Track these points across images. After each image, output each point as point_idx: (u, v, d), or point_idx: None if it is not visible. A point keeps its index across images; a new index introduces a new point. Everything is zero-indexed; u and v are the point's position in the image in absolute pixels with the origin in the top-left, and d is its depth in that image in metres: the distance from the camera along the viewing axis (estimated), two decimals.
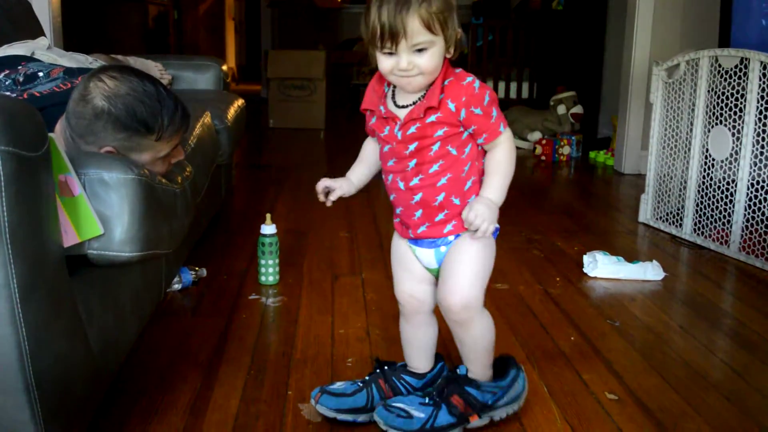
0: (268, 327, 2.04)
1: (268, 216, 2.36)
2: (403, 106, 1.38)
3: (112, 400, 1.59)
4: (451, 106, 1.33)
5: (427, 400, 1.48)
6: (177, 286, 2.28)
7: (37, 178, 1.09)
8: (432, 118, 1.34)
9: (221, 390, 1.67)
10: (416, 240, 1.46)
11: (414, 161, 1.38)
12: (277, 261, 2.36)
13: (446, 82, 1.34)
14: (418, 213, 1.41)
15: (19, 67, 1.88)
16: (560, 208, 3.57)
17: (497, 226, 1.40)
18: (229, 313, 2.11)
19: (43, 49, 2.08)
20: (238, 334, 1.97)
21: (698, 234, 2.96)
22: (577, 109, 5.27)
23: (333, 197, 1.53)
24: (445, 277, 1.43)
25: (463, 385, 1.48)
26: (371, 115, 1.47)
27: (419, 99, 1.36)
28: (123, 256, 1.30)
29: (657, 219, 3.20)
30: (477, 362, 1.51)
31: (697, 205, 2.96)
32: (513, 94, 6.64)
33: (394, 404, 1.48)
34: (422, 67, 1.29)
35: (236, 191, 3.74)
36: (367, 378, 1.59)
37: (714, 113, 2.86)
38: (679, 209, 3.08)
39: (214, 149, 2.52)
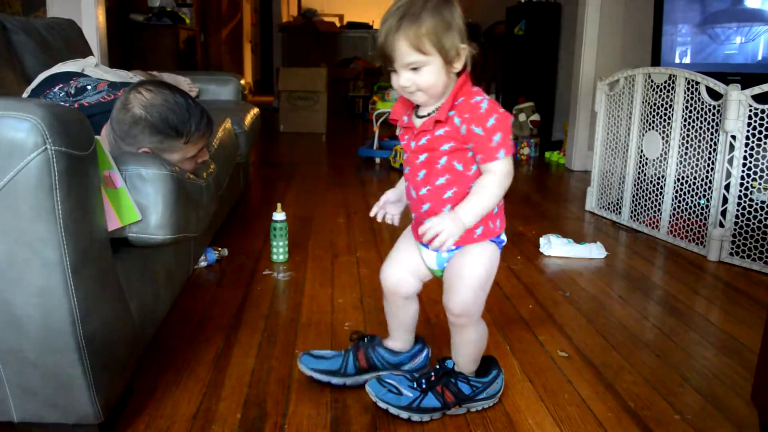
0: (279, 297, 2.03)
1: (279, 205, 2.35)
2: (421, 117, 1.26)
3: (150, 358, 1.59)
4: (457, 121, 1.19)
5: (414, 385, 1.37)
6: (203, 263, 2.27)
7: (85, 173, 1.08)
8: (440, 131, 1.22)
9: (240, 349, 1.66)
10: (425, 243, 1.30)
11: (423, 171, 1.26)
12: (286, 242, 2.35)
13: (460, 100, 1.20)
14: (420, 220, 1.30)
15: (71, 81, 1.86)
16: (521, 198, 3.57)
17: (503, 239, 1.32)
18: (247, 286, 2.11)
19: (91, 66, 2.06)
20: (254, 303, 1.96)
21: (634, 220, 2.96)
22: (535, 117, 5.26)
23: (381, 213, 1.41)
24: (450, 284, 1.31)
25: (450, 378, 1.38)
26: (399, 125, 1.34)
27: (433, 112, 1.23)
28: (158, 238, 1.29)
29: (600, 208, 3.21)
30: (465, 359, 1.40)
31: (633, 196, 2.97)
32: None
33: (387, 380, 1.38)
34: (419, 84, 1.18)
35: (252, 184, 3.72)
36: (348, 349, 1.52)
37: (647, 120, 2.86)
38: (618, 200, 3.08)
39: (233, 149, 2.51)
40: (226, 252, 2.38)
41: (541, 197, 3.62)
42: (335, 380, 1.47)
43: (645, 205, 2.90)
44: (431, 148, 1.24)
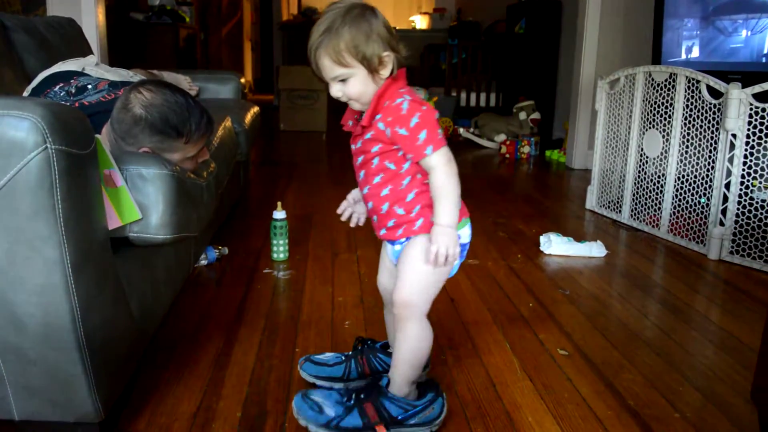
0: (279, 295, 2.03)
1: (279, 204, 2.36)
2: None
3: (151, 356, 1.59)
4: (380, 125, 1.20)
5: (344, 399, 1.32)
6: (203, 262, 2.27)
7: (85, 172, 1.08)
8: (368, 135, 1.24)
9: (240, 348, 1.67)
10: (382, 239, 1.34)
11: (363, 172, 1.29)
12: (286, 241, 2.36)
13: (387, 103, 1.20)
14: (375, 218, 1.31)
15: (72, 81, 1.86)
16: (521, 197, 3.57)
17: (465, 242, 1.29)
18: (247, 284, 2.11)
19: (92, 65, 2.06)
20: (254, 302, 1.97)
21: (634, 219, 2.96)
22: (536, 115, 5.26)
23: (347, 213, 1.42)
24: (398, 273, 1.28)
25: (378, 395, 1.30)
26: None
27: (360, 116, 1.25)
28: (158, 238, 1.29)
29: (601, 206, 3.21)
30: (399, 371, 1.30)
31: (633, 195, 2.97)
32: (483, 103, 6.63)
33: (311, 396, 1.34)
34: (348, 94, 1.21)
35: (252, 183, 3.72)
36: (350, 353, 1.51)
37: (648, 119, 2.86)
38: (618, 198, 3.08)
39: (234, 148, 2.51)
40: (226, 250, 2.38)
41: (541, 196, 3.62)
42: (337, 386, 1.46)
43: (645, 204, 2.90)
44: (364, 150, 1.26)
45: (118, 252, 1.25)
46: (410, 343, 1.29)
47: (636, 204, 2.95)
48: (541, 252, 2.52)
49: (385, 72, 1.21)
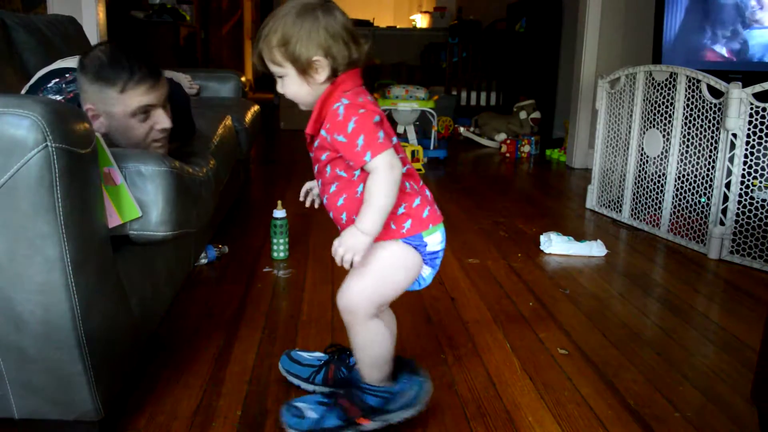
0: (280, 294, 2.03)
1: (279, 202, 2.35)
2: None
3: (151, 355, 1.59)
4: (323, 132, 1.16)
5: (325, 400, 1.31)
6: (204, 261, 2.27)
7: (86, 170, 1.08)
8: (316, 143, 1.20)
9: (240, 346, 1.67)
10: None
11: (320, 181, 1.25)
12: (286, 239, 2.36)
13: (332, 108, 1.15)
14: (338, 227, 1.26)
15: (66, 75, 1.86)
16: (521, 196, 3.57)
17: (425, 242, 1.22)
18: (247, 283, 2.11)
19: None
20: (255, 300, 1.97)
21: (634, 218, 2.96)
22: (536, 115, 5.26)
23: (309, 198, 1.39)
24: (346, 278, 1.25)
25: (351, 389, 1.29)
26: None
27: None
28: (158, 235, 1.29)
29: (601, 205, 3.21)
30: (363, 368, 1.29)
31: (634, 194, 2.97)
32: (483, 102, 6.63)
33: (294, 403, 1.31)
34: (285, 93, 1.18)
35: (253, 181, 3.72)
36: (327, 358, 1.47)
37: (648, 118, 2.86)
38: (619, 197, 3.08)
39: (234, 146, 2.51)
40: (226, 249, 2.38)
41: (541, 195, 3.62)
42: (304, 385, 1.45)
43: (646, 203, 2.90)
44: (317, 159, 1.22)
45: (118, 250, 1.25)
46: (363, 349, 1.26)
47: (636, 203, 2.95)
48: (542, 251, 2.52)
49: (318, 77, 1.15)
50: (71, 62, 2.04)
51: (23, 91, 1.93)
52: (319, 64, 1.14)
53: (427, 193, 1.26)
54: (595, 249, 2.49)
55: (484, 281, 2.19)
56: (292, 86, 1.17)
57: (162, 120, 1.52)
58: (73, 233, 1.04)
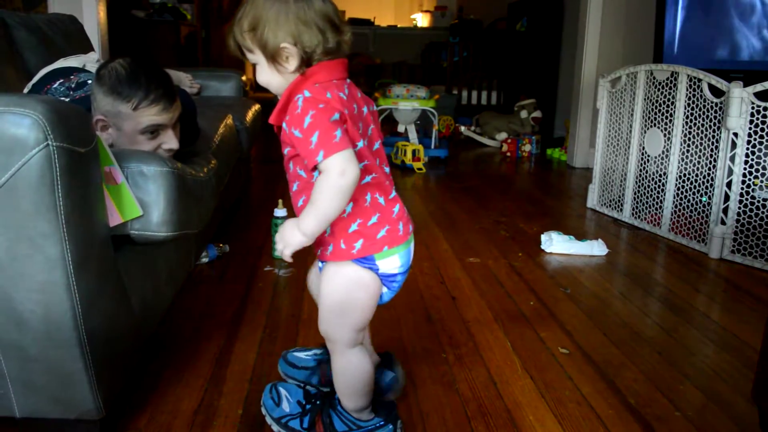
0: (280, 293, 2.03)
1: (280, 201, 2.35)
2: None
3: (152, 354, 1.59)
4: (284, 124, 1.07)
5: (304, 402, 1.29)
6: (205, 260, 2.27)
7: (87, 169, 1.08)
8: (281, 136, 1.11)
9: (242, 345, 1.67)
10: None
11: (288, 178, 1.18)
12: None
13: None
14: None
15: (72, 77, 1.86)
16: (522, 195, 3.57)
17: (377, 265, 1.14)
18: (248, 282, 2.11)
19: (92, 61, 2.06)
20: (256, 299, 1.97)
21: (635, 217, 2.96)
22: (537, 114, 5.26)
23: None
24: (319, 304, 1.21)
25: (328, 406, 1.26)
26: None
27: None
28: (160, 235, 1.29)
29: (602, 205, 3.21)
30: (339, 394, 1.24)
31: (635, 194, 2.97)
32: (484, 101, 6.63)
33: (278, 386, 1.32)
34: (259, 81, 1.11)
35: (254, 180, 3.72)
36: (322, 359, 1.45)
37: (649, 117, 2.86)
38: (620, 197, 3.08)
39: (235, 145, 2.51)
40: (227, 248, 2.38)
41: (542, 194, 3.62)
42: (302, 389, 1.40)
43: (647, 203, 2.89)
44: (282, 153, 1.15)
45: (119, 250, 1.25)
46: (340, 377, 1.22)
47: (637, 202, 2.95)
48: (542, 250, 2.52)
49: (288, 66, 1.07)
50: (74, 61, 2.04)
51: (25, 90, 1.94)
52: (288, 52, 1.06)
53: (396, 208, 1.15)
54: (596, 248, 2.49)
55: (484, 280, 2.18)
56: (264, 74, 1.10)
57: (170, 141, 1.54)
58: (74, 232, 1.04)
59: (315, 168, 1.03)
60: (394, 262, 1.15)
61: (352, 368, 1.20)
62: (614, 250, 2.56)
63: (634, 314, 1.94)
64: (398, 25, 9.34)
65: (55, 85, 1.84)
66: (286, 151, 1.13)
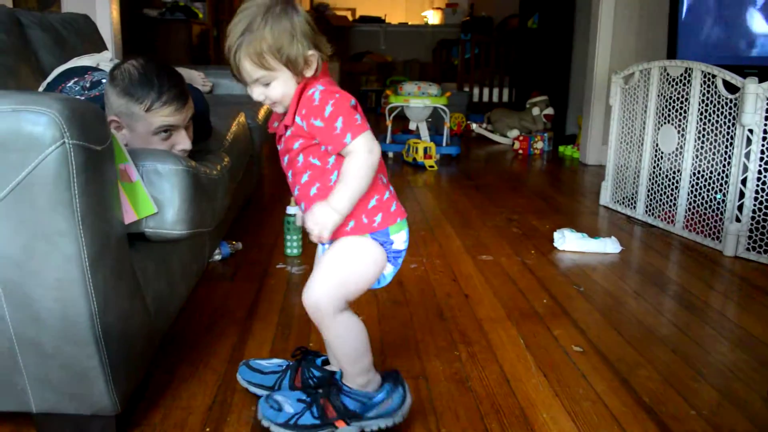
0: (293, 291, 2.04)
1: (292, 199, 2.35)
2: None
3: (165, 350, 1.60)
4: (298, 119, 1.15)
5: (305, 398, 1.29)
6: (218, 257, 2.28)
7: (102, 167, 1.09)
8: (288, 132, 1.18)
9: (254, 342, 1.67)
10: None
11: (291, 172, 1.23)
12: (300, 236, 2.36)
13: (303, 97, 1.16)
14: None
15: (86, 75, 1.87)
16: (535, 193, 3.56)
17: (392, 239, 1.21)
18: (261, 279, 2.11)
19: (106, 60, 2.07)
20: (268, 297, 1.97)
21: (649, 215, 2.94)
22: (549, 111, 5.23)
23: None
24: (313, 272, 1.23)
25: (333, 389, 1.26)
26: None
27: (284, 117, 1.20)
28: (174, 233, 1.30)
29: (615, 202, 3.19)
30: (343, 365, 1.26)
31: (648, 191, 2.95)
32: (495, 98, 6.61)
33: (273, 396, 1.30)
34: (272, 97, 1.16)
35: (265, 178, 3.73)
36: (292, 363, 1.43)
37: (663, 114, 2.84)
38: (633, 194, 3.06)
39: (247, 143, 2.51)
40: (240, 246, 2.39)
41: (555, 192, 3.60)
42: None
43: (660, 200, 2.88)
44: (288, 149, 1.20)
45: (133, 247, 1.25)
46: (339, 341, 1.23)
47: (651, 200, 2.93)
48: (555, 248, 2.51)
49: (309, 72, 1.15)
50: (87, 60, 2.05)
51: (40, 89, 1.95)
52: (314, 59, 1.14)
53: (391, 188, 1.25)
54: (610, 246, 2.47)
55: (497, 278, 2.18)
56: (281, 88, 1.15)
57: (183, 141, 1.55)
58: (90, 230, 1.05)
59: (339, 152, 1.13)
60: (402, 236, 1.23)
61: (346, 330, 1.22)
62: (628, 248, 2.55)
63: (648, 312, 1.93)
64: (409, 23, 9.33)
65: (69, 84, 1.85)
66: (297, 144, 1.18)
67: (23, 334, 1.08)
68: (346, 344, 1.23)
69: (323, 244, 1.25)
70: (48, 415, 1.18)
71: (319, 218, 1.13)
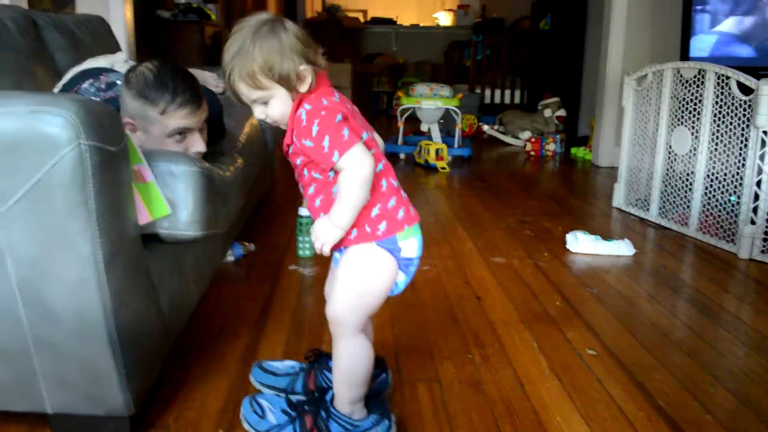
0: (305, 292, 2.03)
1: (305, 200, 2.35)
2: None
3: (178, 352, 1.60)
4: (294, 138, 1.15)
5: (289, 410, 1.28)
6: (230, 258, 2.28)
7: (117, 167, 1.09)
8: (290, 149, 1.19)
9: (267, 343, 1.67)
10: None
11: (300, 185, 1.25)
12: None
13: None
14: None
15: (101, 77, 1.87)
16: (547, 194, 3.54)
17: (399, 246, 1.19)
18: (273, 281, 2.11)
19: (120, 61, 2.07)
20: (281, 298, 1.97)
21: (662, 217, 2.92)
22: (561, 112, 5.22)
23: None
24: (332, 289, 1.23)
25: (320, 409, 1.25)
26: None
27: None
28: (188, 235, 1.30)
29: (628, 204, 3.17)
30: (337, 389, 1.24)
31: (662, 193, 2.93)
32: (507, 100, 6.59)
33: (258, 399, 1.31)
34: (272, 116, 1.16)
35: (278, 179, 3.73)
36: (305, 365, 1.43)
37: (676, 116, 2.82)
38: (646, 196, 3.04)
39: (260, 144, 2.52)
40: (252, 247, 2.39)
41: (567, 193, 3.59)
42: (284, 397, 1.37)
43: (674, 202, 2.86)
44: (294, 164, 1.22)
45: (146, 248, 1.25)
46: (344, 362, 1.22)
47: (664, 202, 2.91)
48: (568, 250, 2.50)
49: (304, 86, 1.14)
50: (102, 61, 2.06)
51: (55, 90, 1.96)
52: (306, 73, 1.13)
53: (403, 193, 1.22)
54: (624, 248, 2.46)
55: (510, 280, 2.17)
56: (280, 106, 1.15)
57: (197, 144, 1.55)
58: (105, 230, 1.05)
59: (332, 169, 1.13)
60: (413, 243, 1.20)
61: (357, 354, 1.22)
62: (641, 250, 2.53)
63: (662, 315, 1.92)
64: (420, 24, 9.32)
65: (84, 86, 1.85)
66: (299, 160, 1.19)
67: (39, 334, 1.09)
68: (352, 367, 1.23)
69: (327, 255, 1.22)
70: (63, 416, 1.19)
71: (320, 233, 1.15)
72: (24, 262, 1.04)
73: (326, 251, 1.16)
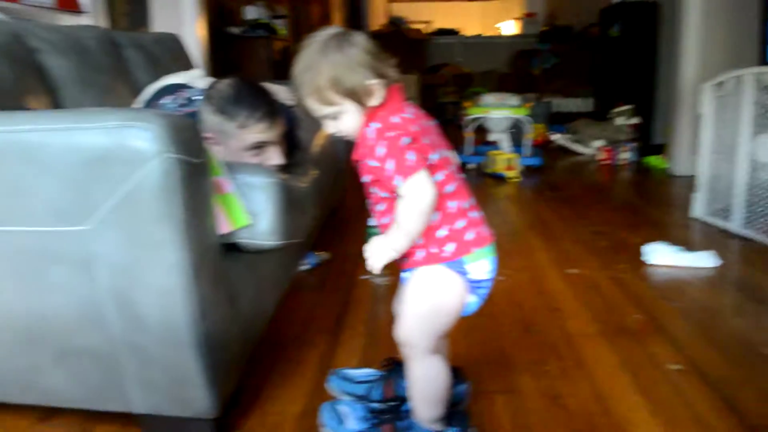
0: (379, 301, 2.04)
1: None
2: None
3: (257, 358, 1.63)
4: (360, 155, 1.14)
5: (371, 417, 1.29)
6: (306, 267, 2.32)
7: (201, 179, 1.13)
8: (358, 166, 1.17)
9: (343, 352, 1.69)
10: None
11: (370, 202, 1.23)
12: None
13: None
14: None
15: (180, 92, 1.94)
16: (622, 204, 3.45)
17: (466, 269, 1.16)
18: (347, 290, 2.13)
19: (197, 77, 2.14)
20: (355, 307, 1.98)
21: (747, 227, 2.80)
22: (634, 120, 5.09)
23: None
24: (401, 310, 1.22)
25: (400, 415, 1.27)
26: None
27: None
28: (268, 244, 1.33)
29: (708, 214, 3.06)
30: (415, 403, 1.24)
31: (746, 203, 2.81)
32: (577, 108, 6.48)
33: (337, 405, 1.33)
34: (343, 130, 1.14)
35: (349, 189, 3.76)
36: (383, 373, 1.43)
37: (759, 123, 2.71)
38: (727, 206, 2.93)
39: (334, 156, 2.55)
40: (327, 256, 2.42)
41: (643, 203, 3.49)
42: (360, 404, 1.39)
43: (759, 212, 2.74)
44: (364, 182, 1.20)
45: (227, 257, 1.29)
46: (418, 384, 1.22)
47: (749, 212, 2.80)
48: (645, 262, 2.42)
49: (373, 101, 1.12)
50: (180, 78, 2.13)
51: (136, 105, 2.03)
52: (375, 87, 1.11)
53: (476, 214, 1.19)
54: (707, 260, 2.36)
55: (586, 292, 2.12)
56: (350, 121, 1.13)
57: (275, 157, 1.59)
58: (189, 239, 1.09)
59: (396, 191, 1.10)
60: (483, 266, 1.18)
61: (431, 375, 1.21)
62: (724, 262, 2.43)
63: (750, 329, 1.83)
64: (483, 34, 9.28)
65: (164, 101, 1.92)
66: (367, 178, 1.17)
67: (129, 338, 1.13)
68: (427, 388, 1.23)
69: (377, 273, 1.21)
70: (151, 417, 1.23)
71: (375, 251, 1.15)
72: (115, 270, 1.09)
73: (377, 270, 1.16)
